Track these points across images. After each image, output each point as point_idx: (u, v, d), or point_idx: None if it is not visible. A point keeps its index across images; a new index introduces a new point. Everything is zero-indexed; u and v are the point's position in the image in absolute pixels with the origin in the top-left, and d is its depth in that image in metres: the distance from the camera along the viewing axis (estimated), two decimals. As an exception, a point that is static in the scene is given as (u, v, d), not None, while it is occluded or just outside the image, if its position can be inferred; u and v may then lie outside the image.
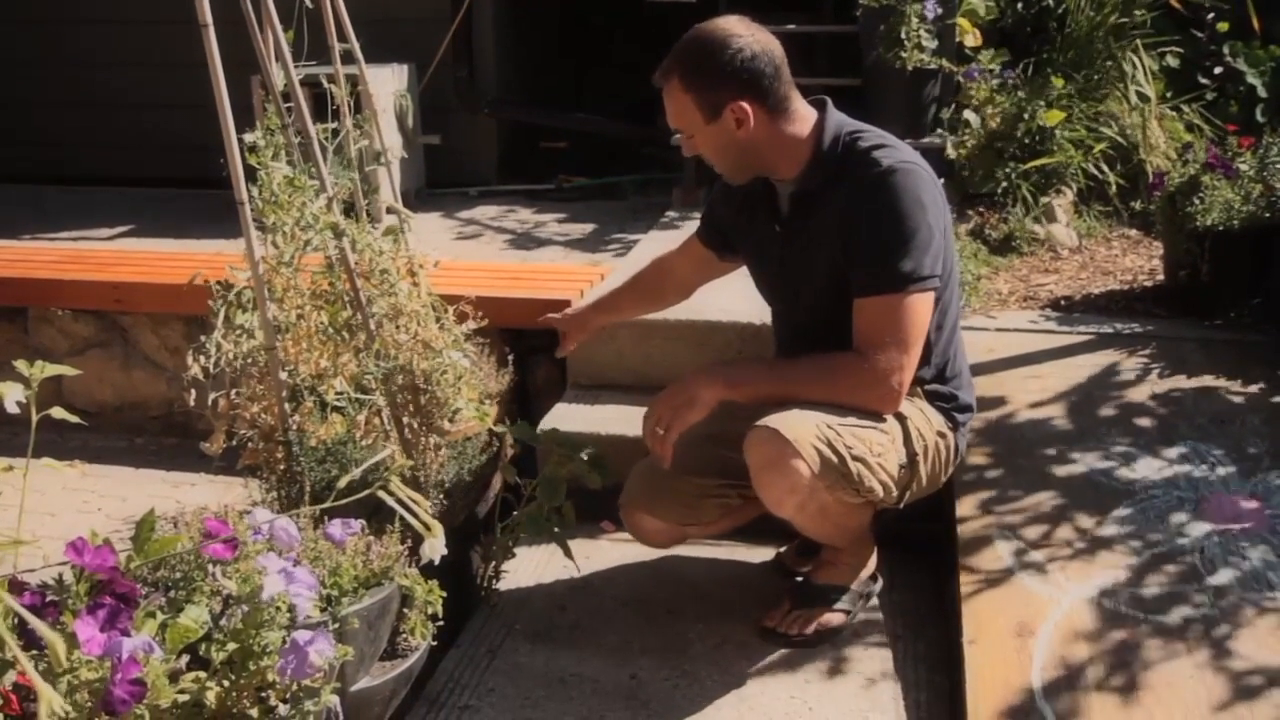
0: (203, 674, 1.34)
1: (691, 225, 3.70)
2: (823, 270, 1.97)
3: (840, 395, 1.91)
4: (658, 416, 1.95)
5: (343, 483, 1.65)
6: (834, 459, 1.84)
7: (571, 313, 2.44)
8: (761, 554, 2.37)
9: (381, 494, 1.66)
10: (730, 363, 2.10)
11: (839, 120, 1.99)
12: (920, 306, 1.89)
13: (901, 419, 1.95)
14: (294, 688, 1.38)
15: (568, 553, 2.19)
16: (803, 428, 1.84)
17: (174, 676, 1.30)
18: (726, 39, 1.90)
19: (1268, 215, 2.80)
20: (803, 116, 1.98)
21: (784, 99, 1.95)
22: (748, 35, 1.91)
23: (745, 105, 1.91)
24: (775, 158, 1.98)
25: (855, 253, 1.91)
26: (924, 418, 2.00)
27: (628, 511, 2.19)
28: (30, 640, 1.22)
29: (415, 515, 1.68)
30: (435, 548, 1.66)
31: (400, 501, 1.67)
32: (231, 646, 1.35)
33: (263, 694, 1.37)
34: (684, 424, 1.93)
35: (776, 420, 1.85)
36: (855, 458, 1.86)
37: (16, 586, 1.30)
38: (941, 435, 2.02)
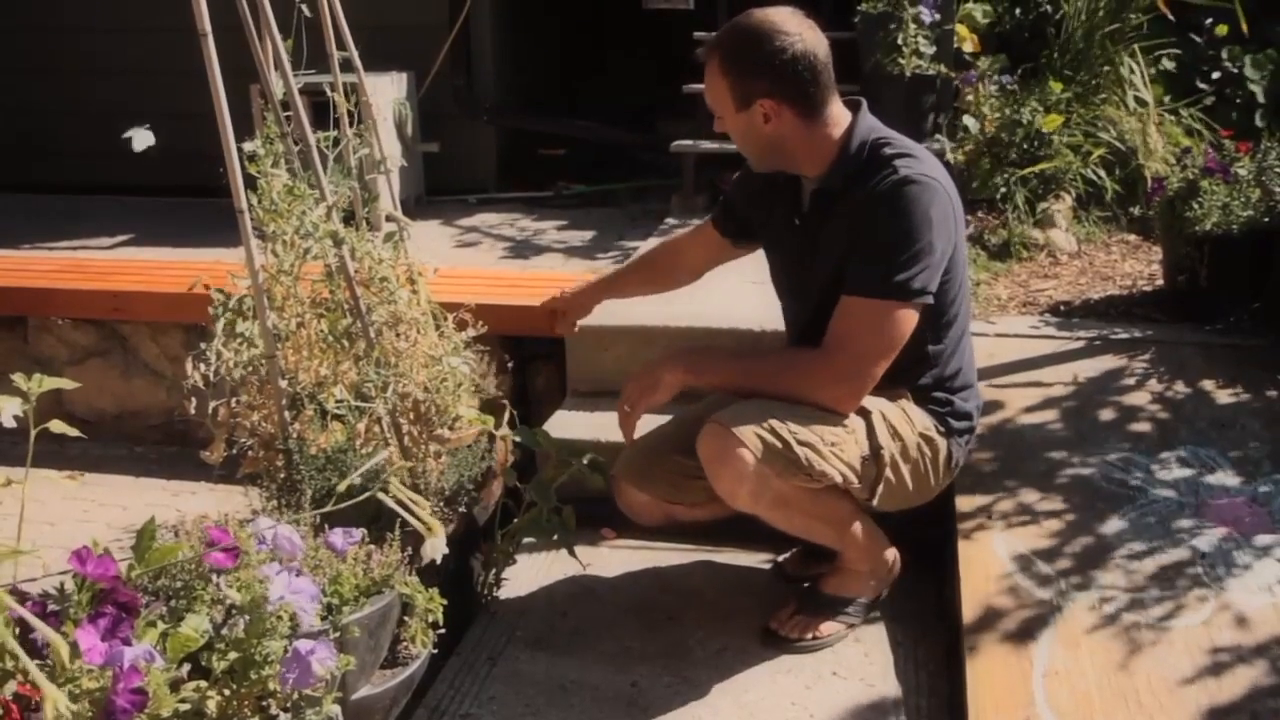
0: (203, 683, 1.34)
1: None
2: (833, 271, 1.98)
3: (796, 390, 1.93)
4: (625, 396, 2.07)
5: (342, 486, 1.65)
6: (777, 444, 1.86)
7: (572, 291, 2.45)
8: (763, 560, 2.37)
9: (381, 496, 1.67)
10: (698, 350, 2.20)
11: (870, 125, 1.99)
12: (900, 319, 1.89)
13: (865, 414, 1.96)
14: (295, 697, 1.37)
15: (571, 552, 2.19)
16: (747, 418, 1.88)
17: (175, 685, 1.30)
18: (773, 33, 1.90)
19: (1266, 220, 2.80)
20: (836, 120, 1.98)
21: (820, 103, 1.95)
22: (795, 33, 1.91)
23: (775, 103, 1.92)
24: (800, 156, 2.00)
25: (855, 254, 1.92)
26: (903, 416, 1.99)
27: (617, 483, 2.21)
28: (31, 650, 1.22)
29: (415, 516, 1.69)
30: (436, 547, 1.67)
31: (400, 503, 1.68)
32: (233, 655, 1.35)
33: (264, 703, 1.37)
34: (647, 404, 2.05)
35: (724, 414, 1.90)
36: (801, 443, 1.87)
37: (17, 596, 1.30)
38: (926, 439, 2.01)
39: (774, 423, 1.87)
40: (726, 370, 2.05)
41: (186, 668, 1.34)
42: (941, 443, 2.03)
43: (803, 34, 1.91)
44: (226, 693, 1.34)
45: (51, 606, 1.28)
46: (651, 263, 2.47)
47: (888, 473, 1.98)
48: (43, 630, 1.17)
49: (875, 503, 2.01)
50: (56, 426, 1.42)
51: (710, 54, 1.96)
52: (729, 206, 2.25)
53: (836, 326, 1.91)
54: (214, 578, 1.43)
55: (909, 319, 1.90)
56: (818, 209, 2.02)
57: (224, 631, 1.38)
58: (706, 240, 2.31)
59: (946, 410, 2.05)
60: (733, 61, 1.93)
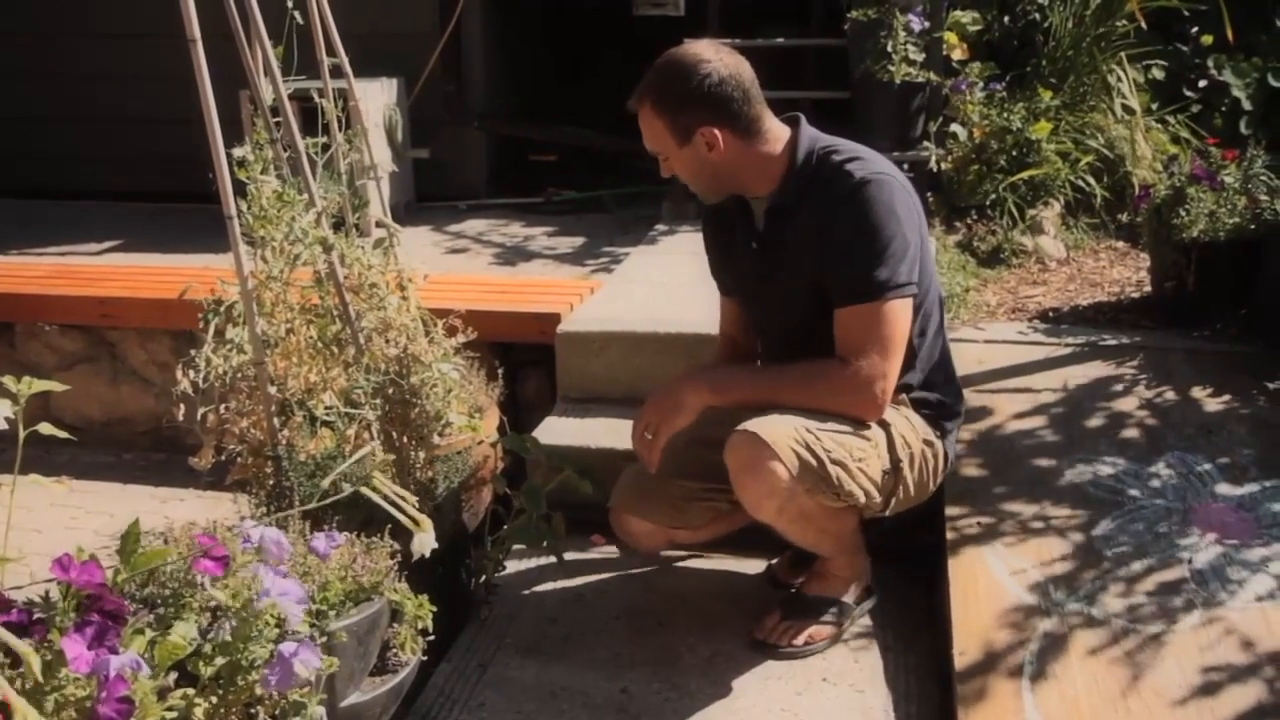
0: (190, 690, 1.33)
1: (680, 237, 3.74)
2: (801, 282, 1.99)
3: (824, 401, 1.93)
4: (645, 421, 2.00)
5: (325, 483, 1.64)
6: (812, 462, 1.86)
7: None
8: (753, 566, 2.37)
9: (366, 491, 1.66)
10: (716, 368, 2.15)
11: (813, 135, 2.01)
12: (899, 313, 1.91)
13: (885, 425, 1.97)
14: (282, 703, 1.37)
15: (560, 558, 2.19)
16: (781, 431, 1.86)
17: (162, 694, 1.29)
18: (696, 64, 1.92)
19: (1252, 227, 2.82)
20: (775, 135, 2.00)
21: (754, 120, 1.97)
22: (716, 60, 1.93)
23: (715, 130, 1.94)
24: (748, 176, 2.01)
25: (833, 264, 1.93)
26: (909, 425, 2.01)
27: (616, 514, 2.19)
28: (16, 660, 1.22)
29: (402, 510, 1.68)
30: (425, 542, 1.66)
31: (385, 498, 1.67)
32: (220, 661, 1.35)
33: (251, 709, 1.37)
34: (671, 428, 1.98)
35: (756, 424, 1.87)
36: (834, 461, 1.88)
37: (2, 604, 1.29)
38: (928, 443, 2.03)
39: (808, 437, 1.87)
40: (749, 387, 2.01)
41: (174, 676, 1.34)
42: (939, 445, 2.06)
43: (722, 59, 1.94)
44: (214, 699, 1.34)
45: (37, 614, 1.27)
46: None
47: (900, 485, 2.00)
48: (14, 645, 1.16)
49: (888, 512, 2.03)
50: (45, 429, 1.41)
51: (640, 101, 1.97)
52: (714, 269, 2.24)
53: (841, 339, 1.92)
54: (200, 577, 1.42)
55: (904, 311, 1.92)
56: (775, 226, 2.03)
57: (210, 635, 1.38)
58: (730, 314, 2.27)
59: (938, 412, 2.07)
60: (664, 101, 1.94)
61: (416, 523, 1.67)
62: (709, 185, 2.04)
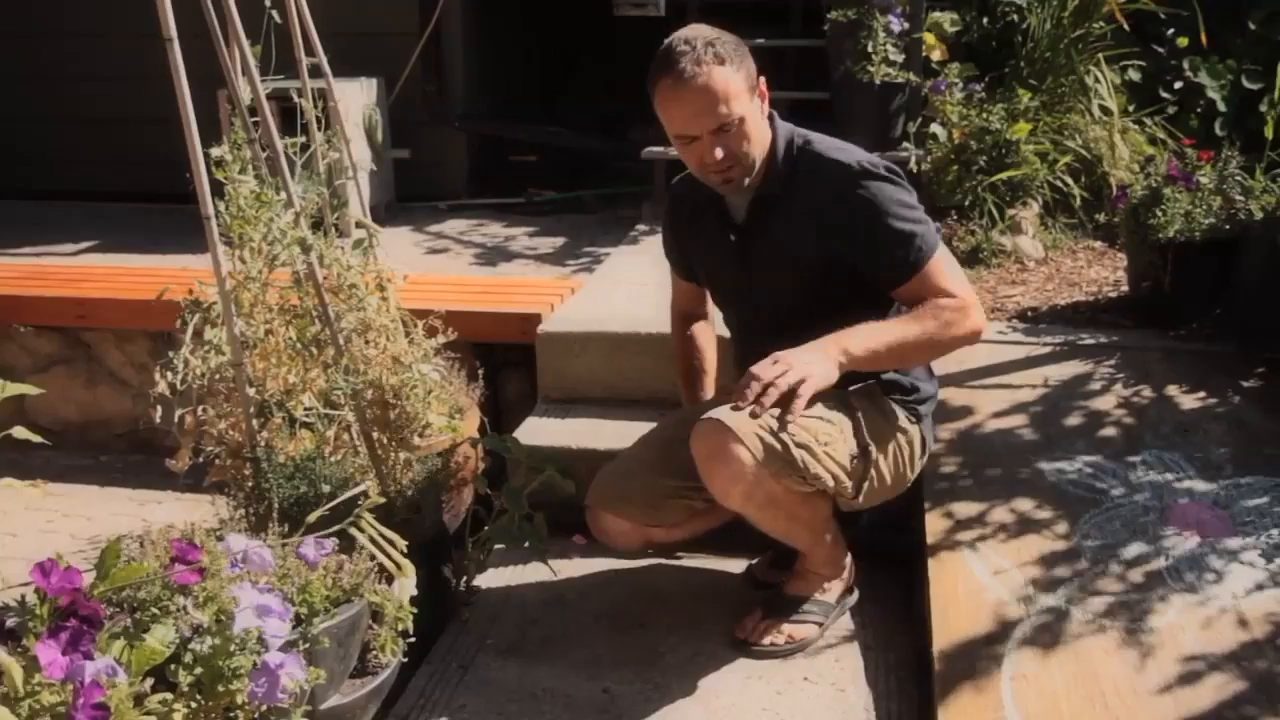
0: (169, 695, 1.32)
1: (661, 237, 3.74)
2: (790, 270, 2.00)
3: (947, 330, 1.89)
4: (792, 376, 1.77)
5: (312, 518, 1.64)
6: (777, 446, 1.87)
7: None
8: (734, 566, 2.37)
9: (353, 532, 1.66)
10: (836, 337, 1.89)
11: (789, 127, 2.03)
12: (947, 260, 1.95)
13: (852, 410, 1.98)
14: (262, 707, 1.36)
15: (543, 558, 2.18)
16: (745, 417, 1.85)
17: (139, 699, 1.28)
18: (717, 29, 1.94)
19: (1227, 228, 2.84)
20: None
21: None
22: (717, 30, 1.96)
23: (763, 80, 1.96)
24: None
25: (869, 256, 1.94)
26: (878, 410, 2.02)
27: (593, 512, 2.19)
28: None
29: (387, 554, 1.69)
30: (405, 588, 1.67)
31: (372, 539, 1.68)
32: (199, 670, 1.34)
33: (231, 714, 1.36)
34: (811, 390, 1.78)
35: (719, 412, 1.88)
36: (799, 444, 1.88)
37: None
38: (902, 430, 2.04)
39: (772, 422, 1.85)
40: (873, 338, 1.88)
41: (150, 681, 1.32)
42: (914, 431, 2.07)
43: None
44: (193, 705, 1.33)
45: (11, 619, 1.26)
46: (694, 349, 2.33)
47: (872, 470, 2.00)
48: (-1, 656, 1.15)
49: (861, 500, 2.03)
50: (19, 433, 1.40)
51: (704, 67, 1.86)
52: (671, 253, 2.25)
53: (927, 292, 1.90)
54: (181, 599, 1.41)
55: (950, 258, 1.96)
56: (758, 216, 2.03)
57: (192, 646, 1.36)
58: (685, 293, 2.30)
59: (912, 398, 2.08)
60: (728, 52, 1.89)
61: (400, 568, 1.68)
62: (761, 147, 1.97)
